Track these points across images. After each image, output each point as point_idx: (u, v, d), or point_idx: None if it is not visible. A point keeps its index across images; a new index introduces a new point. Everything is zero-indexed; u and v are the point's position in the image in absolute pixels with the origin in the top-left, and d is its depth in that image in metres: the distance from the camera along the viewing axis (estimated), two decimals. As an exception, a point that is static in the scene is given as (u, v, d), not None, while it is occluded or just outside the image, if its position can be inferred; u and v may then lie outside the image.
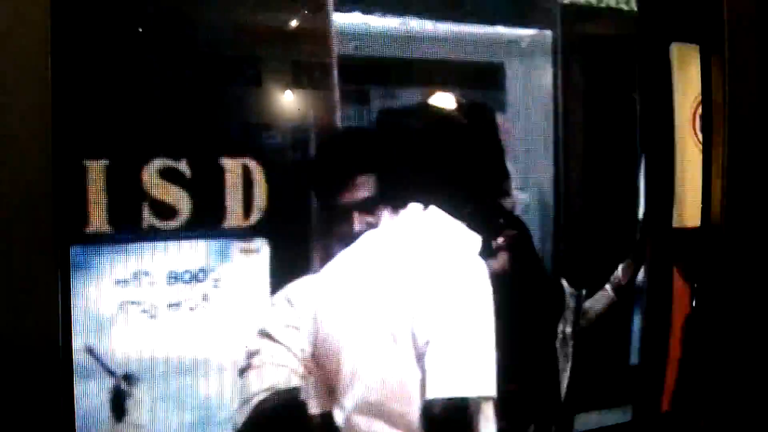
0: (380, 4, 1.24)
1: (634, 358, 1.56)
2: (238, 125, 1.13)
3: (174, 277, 1.06)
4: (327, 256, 1.16)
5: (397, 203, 1.17)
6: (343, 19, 1.19)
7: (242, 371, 1.13)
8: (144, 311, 1.05)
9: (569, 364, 1.52)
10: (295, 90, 1.18)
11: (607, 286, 1.56)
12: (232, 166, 1.07)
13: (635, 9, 1.52)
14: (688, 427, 1.54)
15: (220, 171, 1.07)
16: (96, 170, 1.00)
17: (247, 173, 1.09)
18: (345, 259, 1.17)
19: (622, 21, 1.50)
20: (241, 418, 1.12)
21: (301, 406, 1.18)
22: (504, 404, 1.18)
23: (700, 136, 1.58)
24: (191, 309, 1.07)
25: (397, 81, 1.25)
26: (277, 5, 1.16)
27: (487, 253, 1.21)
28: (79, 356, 1.02)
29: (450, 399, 1.10)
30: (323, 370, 1.17)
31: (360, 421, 1.14)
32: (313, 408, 1.18)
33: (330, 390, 1.17)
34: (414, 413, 1.13)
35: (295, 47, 1.17)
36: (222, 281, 1.09)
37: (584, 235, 1.47)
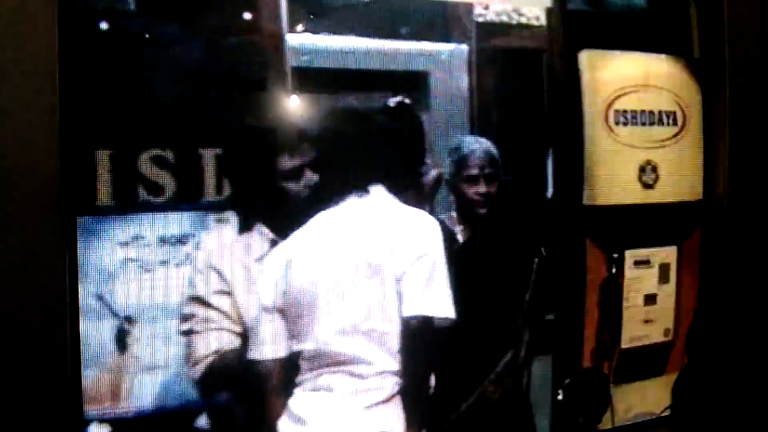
0: (330, 27, 1.56)
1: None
2: (212, 123, 1.45)
3: (163, 241, 1.37)
4: (282, 228, 1.46)
5: (345, 185, 1.47)
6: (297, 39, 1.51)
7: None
8: (140, 266, 1.36)
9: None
10: (260, 93, 1.50)
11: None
12: (207, 155, 1.39)
13: (544, 24, 1.83)
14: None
15: (198, 158, 1.39)
16: (102, 157, 1.32)
17: (219, 160, 1.40)
18: (311, 226, 1.47)
19: (532, 34, 1.82)
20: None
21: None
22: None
23: (613, 127, 1.89)
24: (176, 265, 1.38)
25: (343, 87, 1.57)
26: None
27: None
28: (90, 302, 1.32)
29: (421, 317, 1.41)
30: (292, 316, 1.45)
31: (340, 341, 1.43)
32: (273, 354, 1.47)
33: (295, 332, 1.46)
34: (391, 329, 1.42)
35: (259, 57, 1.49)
36: (201, 244, 1.40)
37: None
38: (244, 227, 1.45)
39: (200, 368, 1.42)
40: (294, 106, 1.52)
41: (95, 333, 1.33)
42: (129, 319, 1.36)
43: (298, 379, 1.46)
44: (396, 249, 1.44)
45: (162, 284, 1.37)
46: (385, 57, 1.57)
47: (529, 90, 1.82)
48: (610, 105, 1.90)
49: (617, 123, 1.90)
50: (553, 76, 1.84)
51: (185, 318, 1.41)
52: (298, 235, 1.46)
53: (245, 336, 1.44)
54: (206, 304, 1.42)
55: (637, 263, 1.96)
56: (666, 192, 1.95)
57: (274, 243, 1.46)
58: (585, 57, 1.86)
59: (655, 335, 1.99)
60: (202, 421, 1.48)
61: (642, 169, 1.93)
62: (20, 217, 1.18)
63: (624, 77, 1.91)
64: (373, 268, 1.43)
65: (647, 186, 1.94)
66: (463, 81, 1.66)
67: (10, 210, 1.17)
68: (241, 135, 1.47)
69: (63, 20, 1.19)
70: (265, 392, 1.46)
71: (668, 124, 1.97)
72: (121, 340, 1.36)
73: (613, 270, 1.91)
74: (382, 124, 1.54)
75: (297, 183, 1.47)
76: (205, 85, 1.44)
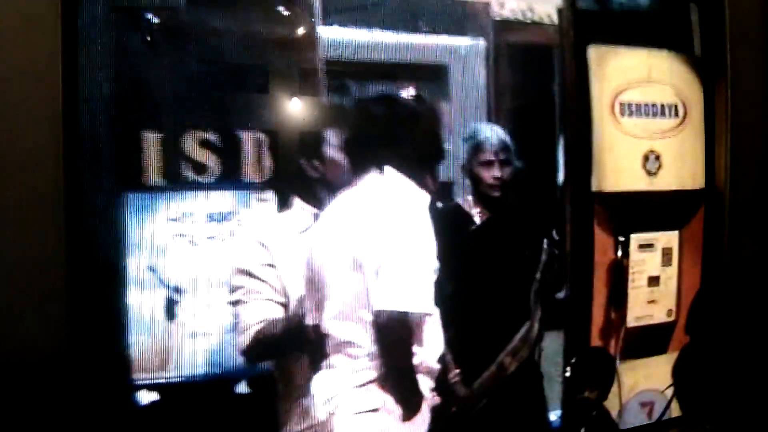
0: (358, 21, 1.69)
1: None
2: (254, 111, 1.57)
3: (209, 217, 1.49)
4: (319, 205, 1.58)
5: (364, 166, 1.56)
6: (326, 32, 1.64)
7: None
8: (189, 241, 1.48)
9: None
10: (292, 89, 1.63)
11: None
12: (248, 138, 1.51)
13: (556, 21, 1.96)
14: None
15: (240, 141, 1.51)
16: (152, 140, 1.44)
17: (259, 143, 1.52)
18: (329, 208, 1.58)
19: (544, 31, 1.95)
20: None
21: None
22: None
23: (619, 117, 2.01)
24: (222, 241, 1.50)
25: (369, 77, 1.69)
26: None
27: (435, 205, 1.62)
28: (141, 273, 1.44)
29: (393, 311, 1.45)
30: (311, 291, 1.56)
31: (337, 325, 1.52)
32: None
33: (317, 305, 1.56)
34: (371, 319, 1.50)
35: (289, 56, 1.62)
36: (245, 221, 1.52)
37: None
38: (284, 204, 1.56)
39: (247, 337, 1.52)
40: (325, 94, 1.65)
41: (147, 301, 1.45)
42: (177, 290, 1.48)
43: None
44: (377, 242, 1.48)
45: (207, 257, 1.49)
46: (409, 50, 1.69)
47: (541, 82, 1.95)
48: (616, 97, 2.02)
49: (623, 114, 2.02)
50: (563, 70, 1.97)
51: (233, 289, 1.52)
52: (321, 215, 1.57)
53: (287, 306, 1.55)
54: (253, 276, 1.53)
55: (642, 247, 2.07)
56: (668, 180, 2.07)
57: (316, 217, 1.57)
58: (593, 52, 1.98)
59: (659, 315, 2.11)
60: (242, 387, 1.60)
61: (646, 158, 2.05)
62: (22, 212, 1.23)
63: (629, 71, 2.03)
64: (357, 260, 1.49)
65: (651, 174, 2.06)
66: (480, 73, 1.79)
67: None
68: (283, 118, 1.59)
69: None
70: (301, 361, 1.58)
71: (670, 115, 2.09)
72: (170, 309, 1.48)
73: (620, 253, 2.03)
74: (402, 112, 1.64)
75: (330, 161, 1.58)
76: (246, 76, 1.57)
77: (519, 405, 1.89)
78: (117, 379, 1.45)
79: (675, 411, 2.12)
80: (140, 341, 1.46)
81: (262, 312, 1.55)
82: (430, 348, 1.57)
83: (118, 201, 1.42)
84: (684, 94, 2.09)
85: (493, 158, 1.86)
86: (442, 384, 1.65)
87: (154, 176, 1.45)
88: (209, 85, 1.52)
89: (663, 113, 2.08)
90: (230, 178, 1.51)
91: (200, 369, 1.52)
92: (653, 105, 2.07)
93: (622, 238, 2.04)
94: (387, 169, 1.54)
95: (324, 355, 1.54)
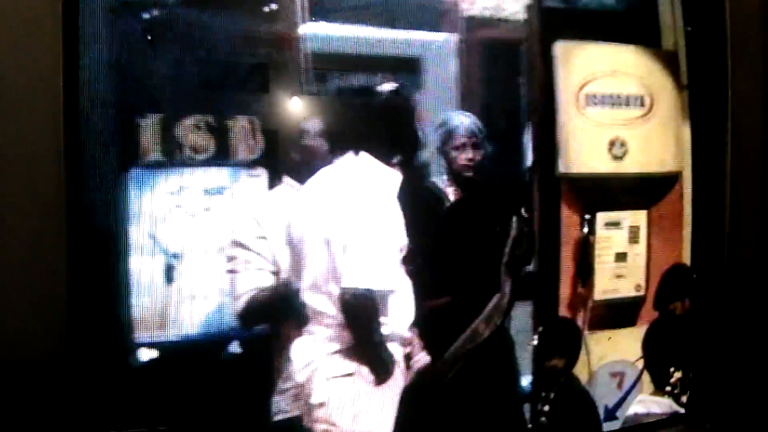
0: (339, 17, 1.87)
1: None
2: (247, 97, 1.75)
3: (204, 191, 1.68)
4: (301, 180, 1.75)
5: (342, 149, 1.72)
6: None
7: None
8: (186, 212, 1.66)
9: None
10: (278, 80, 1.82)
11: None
12: (241, 120, 1.70)
13: (524, 18, 2.14)
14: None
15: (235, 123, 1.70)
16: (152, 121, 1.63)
17: (252, 125, 1.71)
18: (307, 185, 1.73)
19: (513, 27, 2.12)
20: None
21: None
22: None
23: (584, 107, 2.16)
24: (215, 212, 1.69)
25: (348, 69, 1.87)
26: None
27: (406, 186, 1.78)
28: (144, 241, 1.63)
29: (357, 287, 1.58)
30: (294, 262, 1.70)
31: (311, 296, 1.66)
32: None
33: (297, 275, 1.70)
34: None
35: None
36: (235, 196, 1.71)
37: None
38: (274, 181, 1.74)
39: (242, 302, 1.70)
40: (309, 84, 1.83)
41: (148, 267, 1.64)
42: (176, 256, 1.67)
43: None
44: (345, 221, 1.59)
45: (203, 227, 1.68)
46: (385, 44, 1.88)
47: (510, 75, 2.13)
48: (581, 88, 2.17)
49: (588, 104, 2.16)
50: (531, 64, 2.14)
51: (228, 259, 1.70)
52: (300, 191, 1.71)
53: (278, 275, 1.72)
54: (246, 248, 1.71)
55: (608, 225, 2.23)
56: (635, 164, 2.21)
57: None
58: (559, 47, 2.13)
59: (626, 289, 2.25)
60: (234, 348, 1.78)
61: (612, 144, 2.20)
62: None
63: (594, 65, 2.17)
64: (326, 237, 1.60)
65: (617, 158, 2.21)
66: (452, 66, 1.97)
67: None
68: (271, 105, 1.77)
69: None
70: (287, 325, 1.74)
71: (635, 105, 2.23)
72: (169, 274, 1.66)
73: (585, 230, 2.19)
74: (378, 100, 1.79)
75: (312, 143, 1.76)
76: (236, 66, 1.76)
77: (491, 370, 2.05)
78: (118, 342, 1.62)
79: (646, 383, 2.26)
80: (141, 303, 1.64)
81: (253, 280, 1.72)
82: (400, 318, 1.70)
83: (119, 181, 1.59)
84: (650, 85, 2.23)
85: (465, 141, 2.04)
86: (415, 351, 1.80)
87: (154, 155, 1.64)
88: (203, 79, 1.70)
89: (628, 103, 2.23)
90: (224, 156, 1.70)
91: (195, 330, 1.70)
92: (618, 96, 2.21)
93: (588, 216, 2.19)
94: (362, 153, 1.69)
95: (305, 322, 1.67)
